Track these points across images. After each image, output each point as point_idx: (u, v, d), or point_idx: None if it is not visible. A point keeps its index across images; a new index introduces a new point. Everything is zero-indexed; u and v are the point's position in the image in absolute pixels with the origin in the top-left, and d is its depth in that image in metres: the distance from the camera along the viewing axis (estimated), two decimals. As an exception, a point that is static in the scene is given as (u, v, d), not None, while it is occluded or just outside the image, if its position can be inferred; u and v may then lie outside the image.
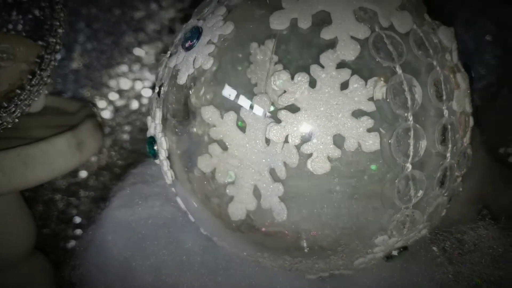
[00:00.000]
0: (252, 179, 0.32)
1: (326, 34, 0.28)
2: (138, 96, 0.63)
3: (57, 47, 0.38)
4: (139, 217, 0.39)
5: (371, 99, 0.29)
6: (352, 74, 0.29)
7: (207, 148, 0.34)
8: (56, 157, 0.40)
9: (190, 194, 0.35)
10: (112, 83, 0.62)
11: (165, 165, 0.34)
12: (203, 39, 0.30)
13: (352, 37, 0.28)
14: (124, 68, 0.62)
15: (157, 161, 0.36)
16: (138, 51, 0.62)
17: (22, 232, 0.46)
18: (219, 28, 0.30)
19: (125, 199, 0.40)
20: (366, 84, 0.29)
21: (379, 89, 0.29)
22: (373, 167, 0.30)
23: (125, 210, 0.39)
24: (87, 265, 0.37)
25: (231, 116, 0.31)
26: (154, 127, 0.35)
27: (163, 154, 0.33)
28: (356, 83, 0.29)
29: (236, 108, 0.32)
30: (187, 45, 0.31)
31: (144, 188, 0.41)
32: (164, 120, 0.34)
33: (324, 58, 0.29)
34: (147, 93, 0.63)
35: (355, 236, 0.30)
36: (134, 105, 0.63)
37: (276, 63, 0.34)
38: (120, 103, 0.63)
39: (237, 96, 0.32)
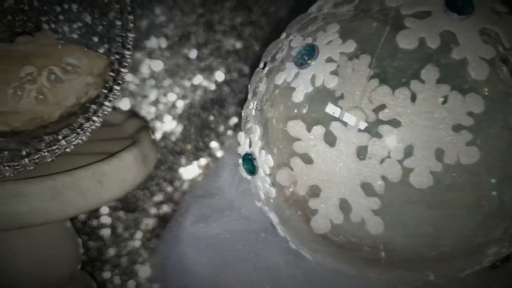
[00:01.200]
0: (339, 193, 0.31)
1: (456, 55, 0.28)
2: (156, 102, 0.61)
3: (129, 60, 0.36)
4: (217, 232, 0.37)
5: (469, 113, 0.30)
6: (451, 90, 0.29)
7: (288, 161, 0.33)
8: (127, 173, 0.38)
9: (282, 208, 0.35)
10: (132, 90, 0.60)
11: (268, 181, 0.33)
12: (321, 57, 0.30)
13: (481, 58, 0.28)
14: (144, 74, 0.60)
15: (249, 177, 0.35)
16: (158, 57, 0.60)
17: (71, 252, 0.44)
18: (339, 46, 0.29)
19: (198, 214, 0.39)
20: (464, 99, 0.29)
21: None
22: (493, 181, 0.31)
23: (201, 225, 0.38)
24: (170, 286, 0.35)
25: (319, 130, 0.31)
26: (250, 143, 0.34)
27: (267, 171, 0.32)
28: (455, 98, 0.29)
29: (325, 122, 0.31)
30: (301, 62, 0.30)
31: (214, 202, 0.40)
32: (265, 136, 0.33)
33: (424, 73, 0.29)
34: (164, 100, 0.61)
35: (470, 248, 0.31)
36: (154, 112, 0.61)
37: (371, 78, 0.34)
38: (140, 111, 0.61)
39: (336, 111, 0.31)
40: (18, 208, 0.33)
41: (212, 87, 0.61)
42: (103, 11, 0.38)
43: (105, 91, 0.36)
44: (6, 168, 0.34)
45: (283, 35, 0.34)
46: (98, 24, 0.38)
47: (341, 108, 0.31)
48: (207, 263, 0.36)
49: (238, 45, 0.61)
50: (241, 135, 0.35)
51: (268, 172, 0.33)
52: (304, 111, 0.32)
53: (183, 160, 0.61)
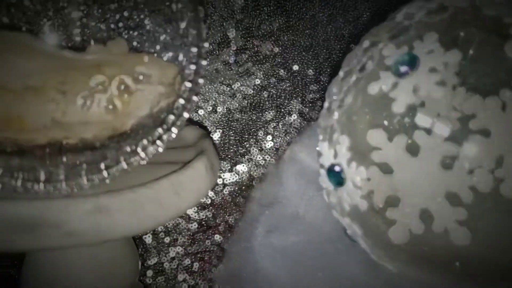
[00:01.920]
0: (421, 203, 0.30)
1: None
2: (195, 108, 0.59)
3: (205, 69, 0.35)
4: (292, 242, 0.36)
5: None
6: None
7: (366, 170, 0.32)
8: (199, 183, 0.37)
9: (366, 219, 0.33)
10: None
11: (359, 193, 0.31)
12: (423, 67, 0.28)
13: None
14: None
15: (331, 189, 0.33)
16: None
17: (132, 262, 0.42)
18: (442, 55, 0.28)
19: (269, 224, 0.37)
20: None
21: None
22: None
23: (274, 235, 0.36)
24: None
25: (401, 139, 0.30)
26: (336, 154, 0.32)
27: (357, 183, 0.31)
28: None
29: (408, 131, 0.30)
30: (401, 72, 0.28)
31: (283, 210, 0.39)
32: (355, 147, 0.31)
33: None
34: (203, 105, 0.59)
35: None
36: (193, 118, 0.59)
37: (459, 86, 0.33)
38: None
39: (423, 120, 0.30)
40: (100, 223, 0.31)
41: (251, 92, 0.60)
42: (173, 19, 0.36)
43: (183, 101, 0.34)
44: (85, 181, 0.32)
45: (366, 43, 0.33)
46: (169, 32, 0.37)
47: (428, 117, 0.30)
48: (285, 274, 0.35)
49: (276, 49, 0.59)
50: (324, 146, 0.33)
51: (359, 184, 0.31)
52: (395, 120, 0.31)
53: (223, 165, 0.59)
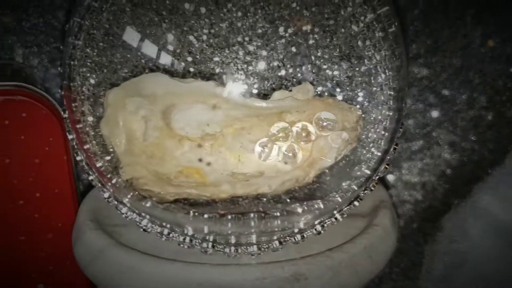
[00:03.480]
0: None
1: None
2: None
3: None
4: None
5: None
6: None
7: None
8: (388, 242, 0.33)
9: None
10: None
11: None
12: None
13: None
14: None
15: None
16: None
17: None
18: None
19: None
20: None
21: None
22: None
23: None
24: None
25: None
26: None
27: None
28: None
29: None
30: None
31: (474, 273, 0.33)
32: None
33: None
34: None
35: None
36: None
37: None
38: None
39: None
40: (297, 294, 0.28)
41: (394, 118, 0.55)
42: (358, 56, 0.32)
43: (379, 153, 0.30)
44: (278, 244, 0.29)
45: None
46: (347, 70, 0.33)
47: None
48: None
49: (424, 72, 0.54)
50: None
51: None
52: None
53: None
